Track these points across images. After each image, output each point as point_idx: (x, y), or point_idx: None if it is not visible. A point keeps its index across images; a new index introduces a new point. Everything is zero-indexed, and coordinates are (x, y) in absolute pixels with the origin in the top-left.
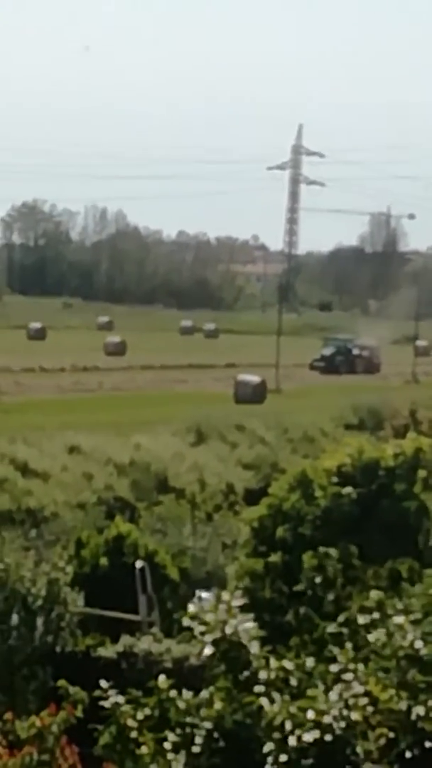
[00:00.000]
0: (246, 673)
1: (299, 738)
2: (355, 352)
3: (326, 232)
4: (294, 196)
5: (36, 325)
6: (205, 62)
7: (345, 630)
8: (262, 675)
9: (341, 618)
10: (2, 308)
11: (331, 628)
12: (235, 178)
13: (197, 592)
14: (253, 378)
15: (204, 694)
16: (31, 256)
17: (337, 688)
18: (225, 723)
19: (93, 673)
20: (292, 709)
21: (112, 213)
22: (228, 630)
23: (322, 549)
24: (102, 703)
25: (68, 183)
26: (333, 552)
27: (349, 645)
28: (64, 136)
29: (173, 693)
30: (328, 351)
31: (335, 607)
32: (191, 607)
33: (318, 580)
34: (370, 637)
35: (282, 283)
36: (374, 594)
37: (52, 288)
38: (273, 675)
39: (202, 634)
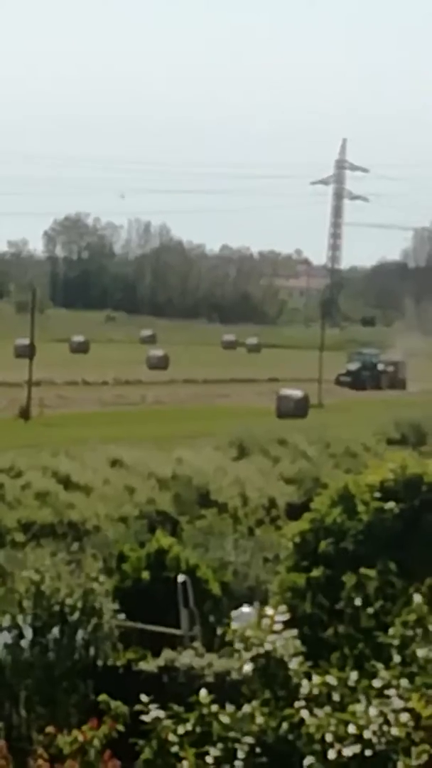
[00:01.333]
0: (287, 689)
1: (339, 752)
2: (381, 367)
3: (369, 247)
4: (337, 210)
5: (79, 338)
6: (250, 76)
7: (389, 644)
8: (303, 690)
9: (389, 631)
10: (45, 321)
11: (373, 642)
12: (278, 193)
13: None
14: (296, 392)
15: (246, 708)
16: (75, 270)
17: (377, 702)
18: (267, 737)
19: (134, 687)
20: (333, 723)
21: (156, 227)
22: (268, 646)
23: (362, 570)
24: (143, 717)
25: (112, 196)
26: (371, 572)
27: (394, 659)
28: (107, 150)
29: (215, 707)
30: (354, 366)
31: (376, 623)
32: (234, 623)
33: (358, 600)
34: (417, 652)
35: (325, 297)
36: (416, 607)
37: (95, 301)
38: (315, 690)
39: (243, 650)
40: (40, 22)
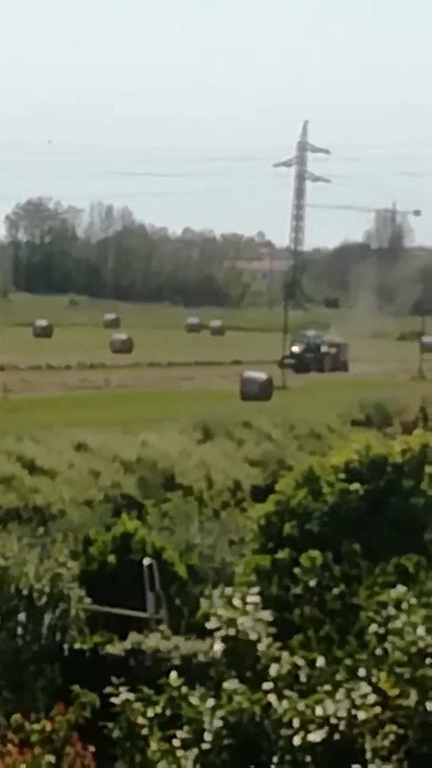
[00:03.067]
0: (256, 670)
1: (304, 737)
2: (324, 349)
3: (332, 229)
4: (300, 192)
5: (42, 322)
6: (210, 59)
7: (356, 625)
8: (272, 672)
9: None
10: (8, 306)
11: (339, 623)
12: (240, 175)
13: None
14: (260, 375)
15: (225, 686)
16: (37, 254)
17: (345, 685)
18: (234, 720)
19: (101, 671)
20: (301, 707)
21: (118, 210)
22: (239, 626)
23: (313, 553)
24: (113, 699)
25: (73, 180)
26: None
27: (367, 638)
28: (68, 134)
29: (184, 689)
30: (297, 348)
31: (341, 604)
32: (203, 604)
33: (312, 583)
34: (380, 632)
35: (288, 279)
36: (395, 590)
37: (58, 285)
38: (284, 670)
39: (213, 631)
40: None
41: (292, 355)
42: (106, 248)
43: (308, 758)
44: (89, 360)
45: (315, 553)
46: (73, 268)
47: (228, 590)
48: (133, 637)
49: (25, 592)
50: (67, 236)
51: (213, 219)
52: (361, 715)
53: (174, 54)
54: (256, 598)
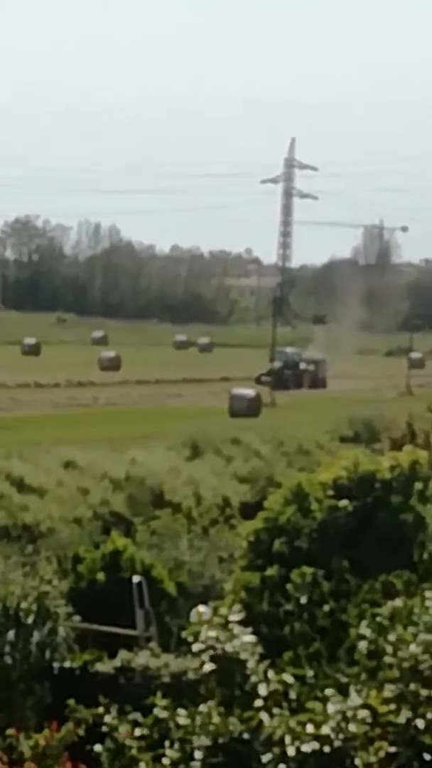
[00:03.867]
0: (244, 688)
1: (298, 749)
2: (302, 366)
3: (320, 245)
4: (287, 209)
5: (30, 340)
6: (197, 76)
7: (347, 641)
8: (261, 690)
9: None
10: None
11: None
12: (228, 192)
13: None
14: (248, 392)
15: (202, 708)
16: (25, 272)
17: (336, 700)
18: (223, 738)
19: (91, 689)
20: (292, 723)
21: (106, 228)
22: (226, 647)
23: (305, 569)
24: (100, 721)
25: (61, 198)
26: (309, 571)
27: (358, 655)
28: (55, 151)
29: (171, 712)
30: (276, 365)
31: (331, 621)
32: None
33: (303, 599)
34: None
35: (276, 296)
36: (389, 606)
37: (45, 303)
38: (272, 688)
39: (200, 652)
40: None
41: (270, 372)
42: (93, 266)
43: None
44: (77, 378)
45: (307, 569)
46: (61, 285)
47: (208, 610)
48: (123, 654)
49: (12, 611)
50: (55, 254)
51: (201, 236)
52: (352, 728)
53: (161, 70)
54: (239, 617)
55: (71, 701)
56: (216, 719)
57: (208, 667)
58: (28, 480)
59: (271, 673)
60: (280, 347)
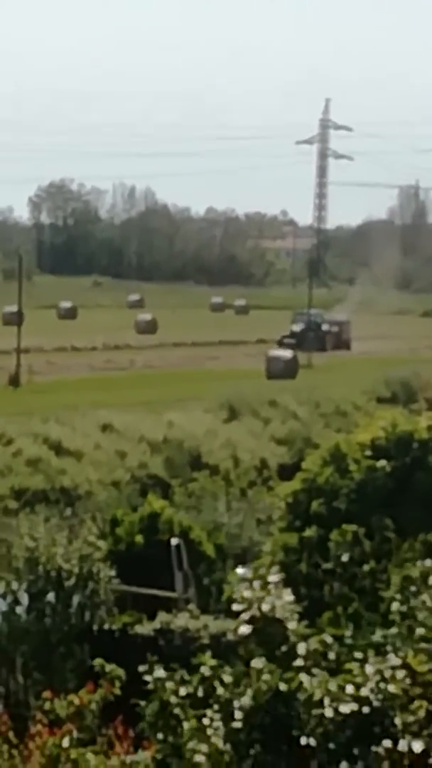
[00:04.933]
0: (284, 649)
1: (336, 710)
2: (325, 327)
3: (355, 206)
4: (322, 170)
5: (66, 304)
6: (231, 38)
7: (386, 600)
8: (300, 650)
9: (388, 591)
10: (32, 288)
11: (369, 600)
12: (263, 154)
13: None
14: (285, 353)
15: (254, 664)
16: (60, 236)
17: (374, 660)
18: (265, 698)
19: (130, 651)
20: (331, 686)
21: (141, 191)
22: (264, 607)
23: (345, 526)
24: (146, 677)
25: (95, 161)
26: (351, 528)
27: (392, 615)
28: (89, 114)
29: (218, 669)
30: (298, 327)
31: (371, 581)
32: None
33: (344, 557)
34: (411, 609)
35: (312, 257)
36: (419, 565)
37: (81, 267)
38: (311, 648)
39: (239, 612)
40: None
41: (292, 334)
42: (129, 229)
43: (339, 733)
44: (114, 341)
45: (348, 527)
46: (97, 249)
47: (248, 571)
48: (162, 616)
49: (53, 573)
50: (90, 217)
51: (236, 198)
52: (392, 689)
53: (194, 33)
54: (278, 577)
55: (99, 660)
56: (266, 677)
57: (247, 628)
58: (65, 443)
59: (311, 633)
60: (300, 309)
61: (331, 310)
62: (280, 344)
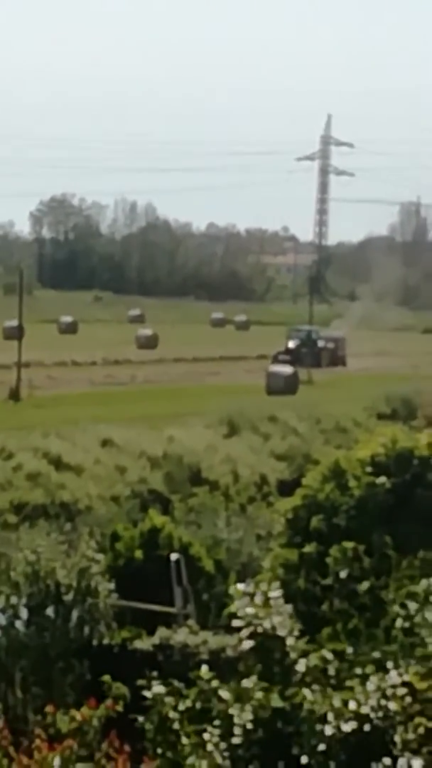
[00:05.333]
0: (284, 665)
1: (338, 728)
2: (321, 344)
3: (356, 222)
4: (323, 186)
5: (67, 318)
6: (232, 53)
7: (387, 617)
8: (300, 666)
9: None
10: (33, 302)
11: (368, 617)
12: (264, 170)
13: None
14: (285, 369)
15: (245, 684)
16: (61, 251)
17: (375, 678)
18: (264, 714)
19: (129, 666)
20: (334, 702)
21: (142, 206)
22: (265, 624)
23: (346, 544)
24: (145, 693)
25: (97, 176)
26: (350, 545)
27: (394, 632)
28: (91, 129)
29: (215, 684)
30: (293, 343)
31: (370, 597)
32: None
33: (343, 574)
34: (412, 625)
35: (312, 273)
36: (423, 583)
37: (82, 282)
38: (311, 664)
39: (239, 628)
40: (21, 5)
41: (287, 350)
42: (130, 244)
43: (340, 750)
44: (114, 356)
45: (347, 544)
46: (98, 264)
47: (249, 587)
48: (162, 632)
49: (52, 587)
50: (91, 232)
51: (237, 214)
52: (392, 706)
53: (194, 47)
54: (278, 593)
55: (107, 677)
56: (258, 695)
57: (247, 643)
58: (65, 458)
59: (311, 650)
60: (295, 326)
61: (330, 326)
62: (275, 360)
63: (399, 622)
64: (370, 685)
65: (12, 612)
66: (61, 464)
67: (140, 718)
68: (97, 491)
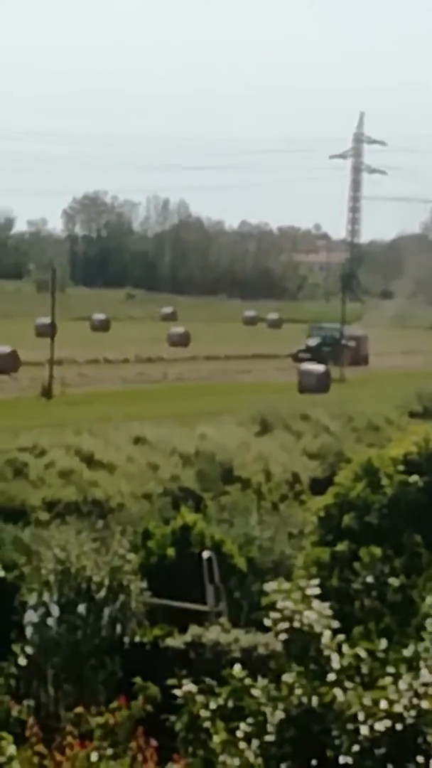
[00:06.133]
0: (318, 662)
1: (371, 727)
2: (343, 342)
3: (389, 221)
4: (356, 184)
5: (99, 316)
6: (266, 51)
7: (419, 616)
8: (334, 663)
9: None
10: (66, 300)
11: (400, 615)
12: (297, 167)
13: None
14: (317, 367)
15: (285, 677)
16: (94, 248)
17: (407, 676)
18: (297, 712)
19: (161, 664)
20: (366, 701)
21: (174, 203)
22: (302, 618)
23: (373, 548)
24: (175, 691)
25: (129, 174)
26: (377, 551)
27: (428, 629)
28: (125, 127)
29: (248, 681)
30: (313, 341)
31: (402, 596)
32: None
33: (370, 579)
34: None
35: (345, 271)
36: None
37: (114, 279)
38: (345, 663)
39: (275, 622)
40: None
41: (307, 348)
42: (162, 242)
43: (374, 749)
44: (147, 353)
45: (375, 549)
46: (130, 261)
47: (286, 584)
48: (194, 630)
49: (84, 585)
50: (124, 230)
51: (270, 211)
52: (425, 705)
53: (229, 46)
54: (316, 590)
55: (138, 679)
56: (297, 691)
57: (282, 637)
58: (98, 456)
59: (344, 647)
60: (317, 323)
61: (358, 324)
62: (296, 359)
63: (429, 621)
64: (403, 684)
65: (44, 609)
66: (94, 462)
67: (171, 718)
68: (129, 489)
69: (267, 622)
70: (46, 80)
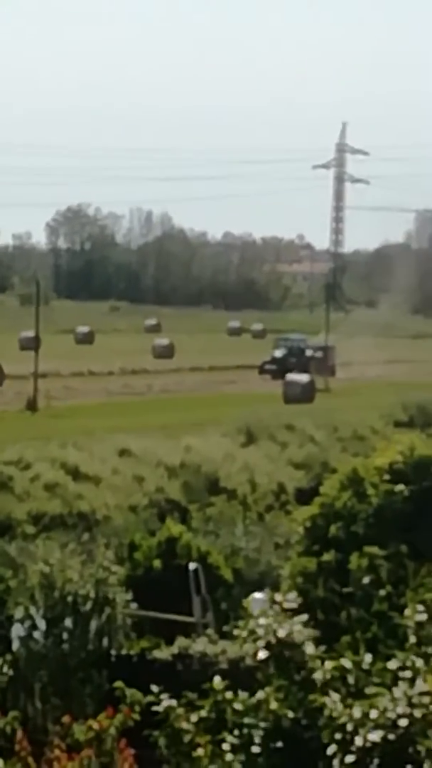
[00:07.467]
0: (302, 674)
1: (365, 738)
2: (308, 353)
3: (372, 230)
4: (339, 194)
5: (84, 329)
6: (249, 61)
7: (404, 625)
8: (318, 675)
9: (405, 612)
10: (49, 313)
11: (387, 625)
12: (279, 178)
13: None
14: (302, 377)
15: (260, 694)
16: (77, 261)
17: (402, 685)
18: (283, 723)
19: (148, 676)
20: (356, 711)
21: (157, 215)
22: (281, 633)
23: (366, 549)
24: (155, 708)
25: (112, 186)
26: (379, 552)
27: (410, 640)
28: (106, 139)
29: (229, 694)
30: (279, 353)
31: (388, 605)
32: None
33: (365, 580)
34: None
35: (329, 281)
36: None
37: (98, 292)
38: (329, 675)
39: (256, 638)
40: (35, 16)
41: (273, 360)
42: (146, 253)
43: (366, 760)
44: (131, 366)
45: (365, 553)
46: (114, 274)
47: (264, 597)
48: (180, 641)
49: (69, 598)
50: (107, 242)
51: (253, 222)
52: (417, 714)
53: (209, 57)
54: (295, 603)
55: (120, 683)
56: (273, 705)
57: (262, 654)
58: (83, 468)
59: (327, 659)
60: (283, 335)
61: (338, 333)
62: (261, 371)
63: (411, 632)
64: (397, 692)
65: (30, 623)
66: (79, 474)
67: (154, 733)
68: (114, 501)
69: (248, 634)
70: (30, 94)
